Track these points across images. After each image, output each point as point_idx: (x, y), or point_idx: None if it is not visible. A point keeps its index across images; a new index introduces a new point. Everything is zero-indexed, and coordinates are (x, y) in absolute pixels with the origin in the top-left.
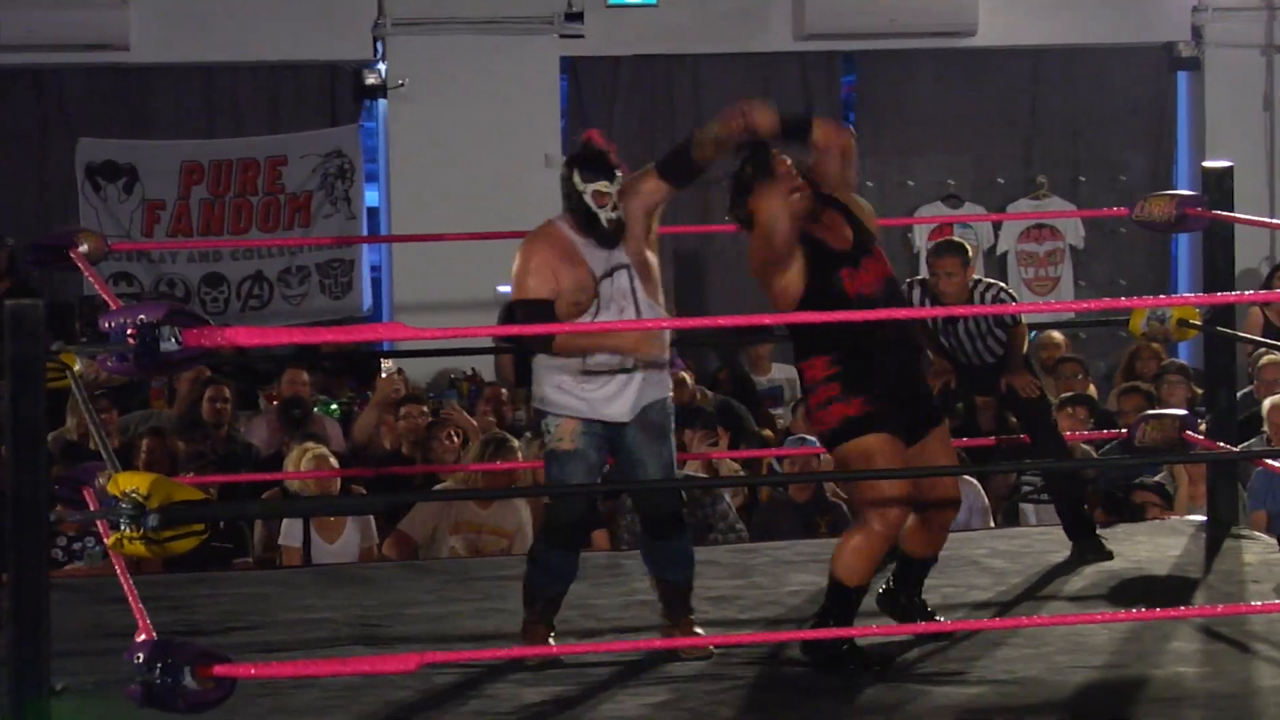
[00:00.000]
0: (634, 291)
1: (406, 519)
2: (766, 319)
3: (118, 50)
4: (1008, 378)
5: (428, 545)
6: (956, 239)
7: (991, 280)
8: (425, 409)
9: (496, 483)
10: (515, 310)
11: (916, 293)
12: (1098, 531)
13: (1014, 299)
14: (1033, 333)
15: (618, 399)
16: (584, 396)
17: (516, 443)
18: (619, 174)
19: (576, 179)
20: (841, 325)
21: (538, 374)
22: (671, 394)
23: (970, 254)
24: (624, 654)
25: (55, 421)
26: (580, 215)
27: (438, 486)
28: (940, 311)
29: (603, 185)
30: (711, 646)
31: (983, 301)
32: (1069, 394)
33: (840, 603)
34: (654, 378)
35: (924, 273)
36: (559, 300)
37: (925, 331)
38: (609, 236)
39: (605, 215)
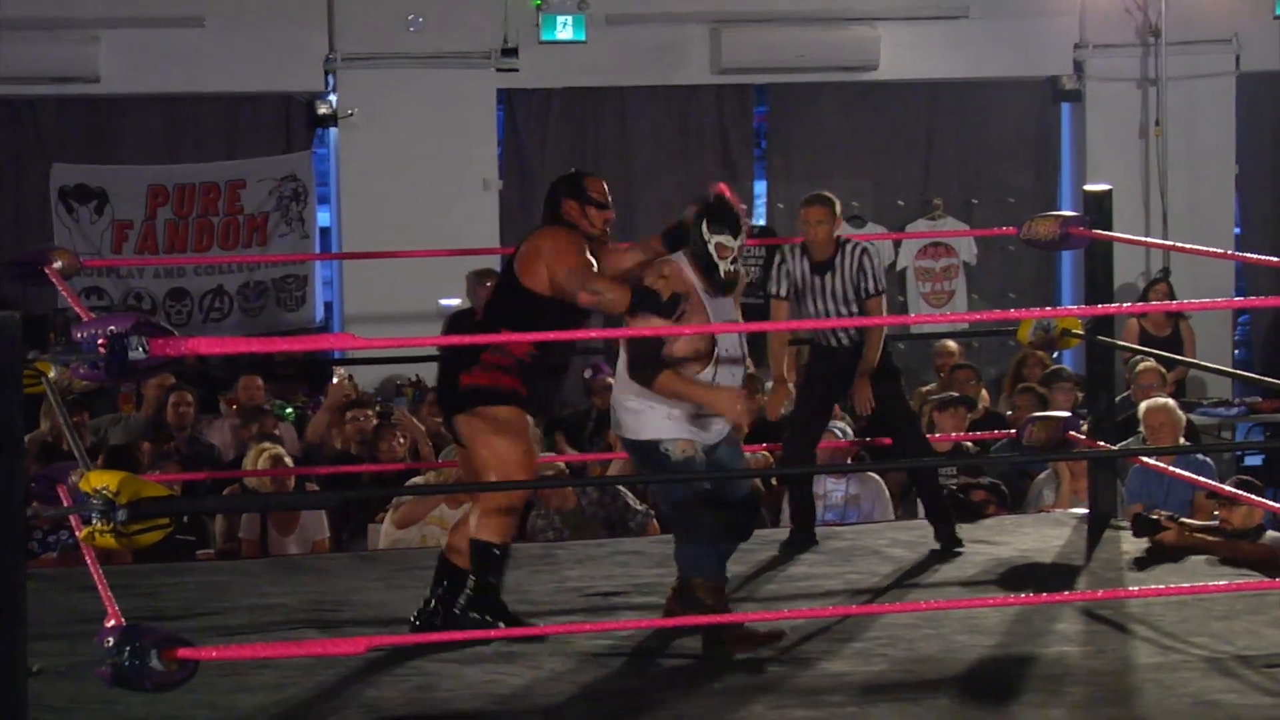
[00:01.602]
0: (743, 351)
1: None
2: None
3: (89, 82)
4: (853, 390)
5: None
6: (824, 192)
7: (860, 241)
8: (371, 412)
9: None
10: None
11: (796, 254)
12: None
13: (876, 269)
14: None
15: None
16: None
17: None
18: (743, 230)
19: (704, 229)
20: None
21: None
22: None
23: (838, 209)
24: (563, 636)
25: (30, 424)
26: (702, 261)
27: (412, 481)
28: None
29: (726, 239)
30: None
31: (852, 258)
32: (952, 395)
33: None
34: None
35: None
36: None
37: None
38: (723, 286)
39: (724, 267)
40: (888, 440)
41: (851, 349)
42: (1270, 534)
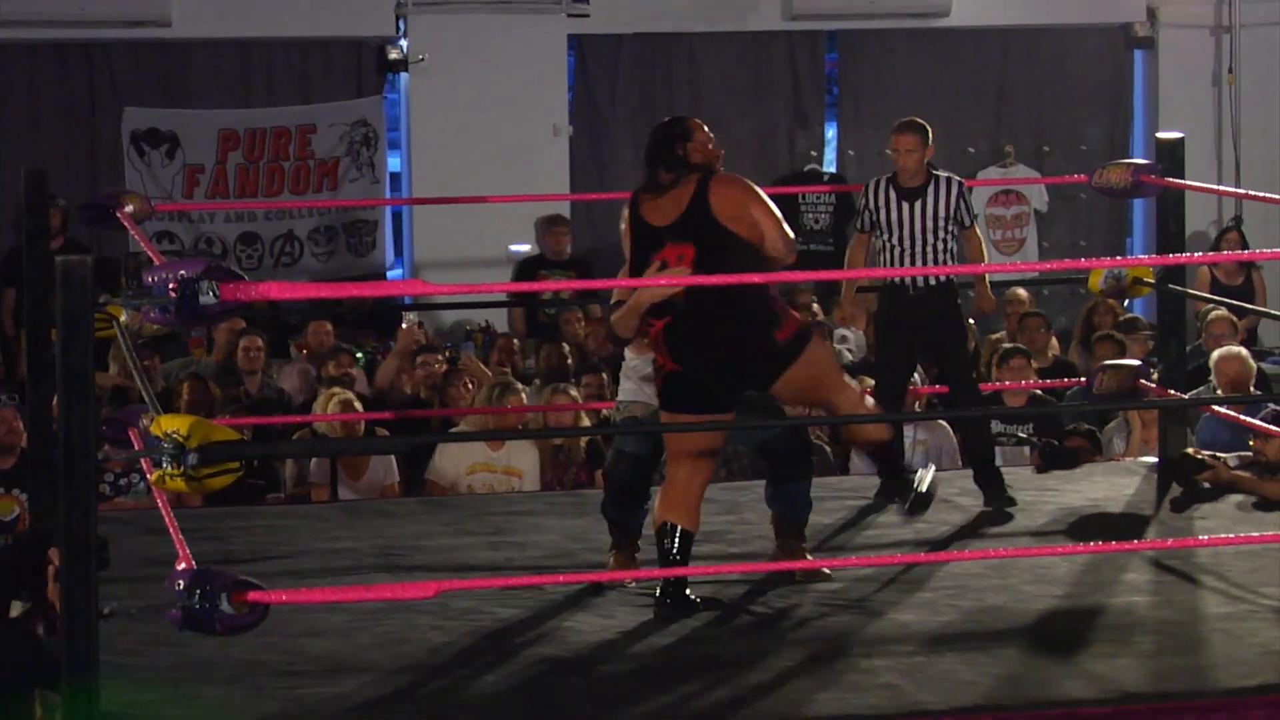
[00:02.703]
0: None
1: (431, 468)
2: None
3: (160, 26)
4: (978, 301)
5: (452, 489)
6: (917, 119)
7: (954, 176)
8: (442, 357)
9: (505, 425)
10: None
11: (881, 184)
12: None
13: (969, 200)
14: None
15: None
16: None
17: (520, 386)
18: None
19: None
20: None
21: None
22: None
23: (930, 137)
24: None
25: (100, 368)
26: None
27: (452, 430)
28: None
29: None
30: (826, 569)
31: (946, 190)
32: (1013, 346)
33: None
34: None
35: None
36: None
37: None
38: None
39: None
40: (944, 388)
41: (929, 293)
42: None
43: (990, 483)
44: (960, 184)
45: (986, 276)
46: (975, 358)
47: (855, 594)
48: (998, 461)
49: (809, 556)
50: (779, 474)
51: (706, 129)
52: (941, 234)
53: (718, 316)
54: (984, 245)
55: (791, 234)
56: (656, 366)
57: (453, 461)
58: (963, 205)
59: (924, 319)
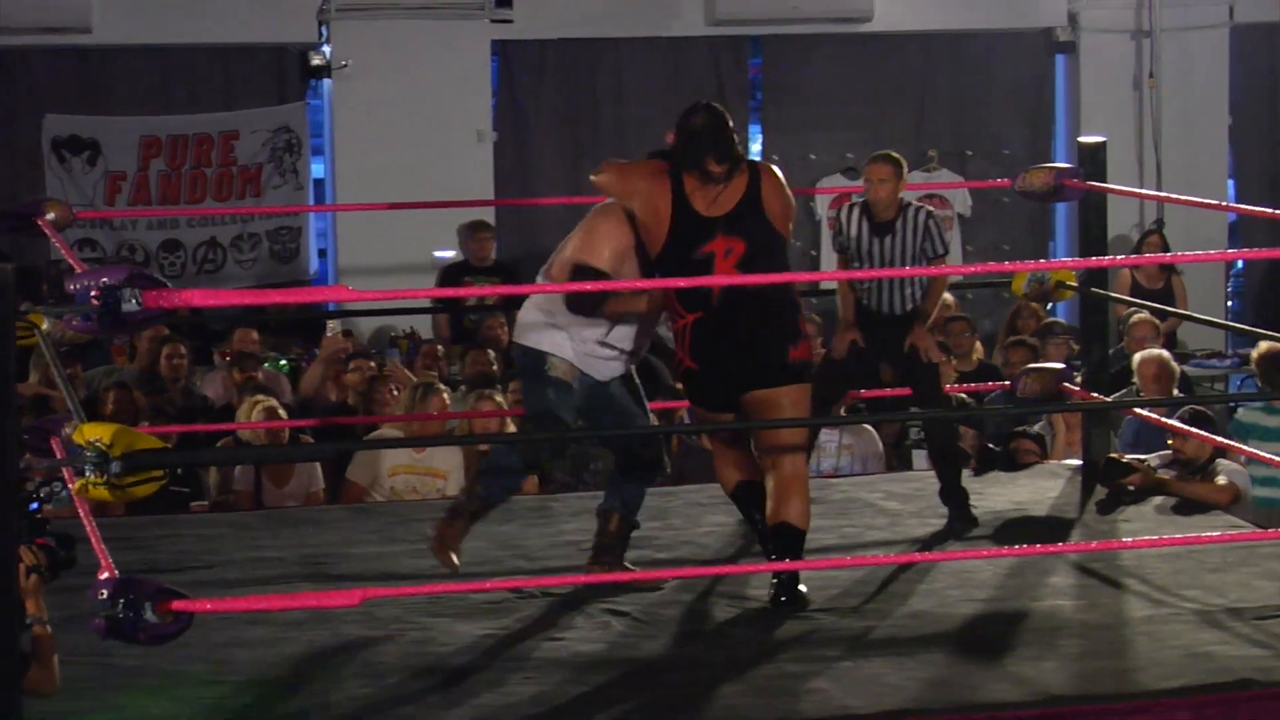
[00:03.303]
0: None
1: (351, 468)
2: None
3: (81, 32)
4: (911, 338)
5: (372, 489)
6: (892, 152)
7: (925, 205)
8: (373, 364)
9: (428, 428)
10: None
11: (846, 212)
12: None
13: (942, 231)
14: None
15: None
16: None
17: (444, 389)
18: None
19: None
20: None
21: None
22: None
23: (905, 168)
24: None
25: (22, 376)
26: None
27: (371, 434)
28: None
29: None
30: (659, 580)
31: (915, 221)
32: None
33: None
34: None
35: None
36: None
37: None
38: None
39: None
40: (908, 390)
41: (899, 320)
42: (1222, 463)
43: (954, 501)
44: (930, 215)
45: (935, 309)
46: None
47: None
48: (922, 465)
49: (628, 566)
50: (627, 473)
51: None
52: (911, 267)
53: (749, 319)
54: (943, 289)
55: None
56: (675, 361)
57: (374, 462)
58: (932, 238)
59: (893, 344)
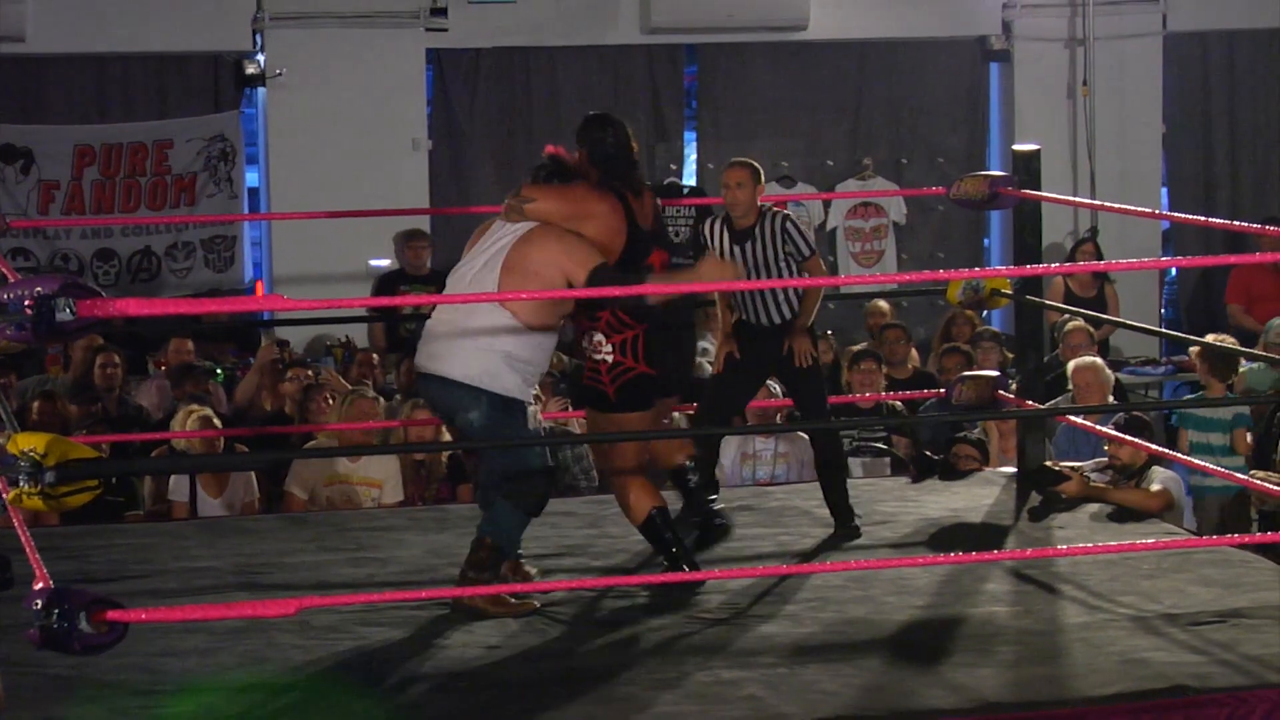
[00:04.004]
0: None
1: (290, 478)
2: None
3: (15, 41)
4: (789, 339)
5: (309, 499)
6: (749, 160)
7: (783, 210)
8: (310, 373)
9: (360, 437)
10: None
11: (716, 225)
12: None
13: (802, 232)
14: (861, 303)
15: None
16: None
17: (373, 394)
18: None
19: None
20: None
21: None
22: None
23: (761, 176)
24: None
25: None
26: None
27: (309, 444)
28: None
29: None
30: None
31: (771, 227)
32: (861, 349)
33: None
34: None
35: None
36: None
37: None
38: None
39: None
40: (789, 402)
41: (776, 330)
42: (1157, 469)
43: (840, 514)
44: (787, 219)
45: (812, 313)
46: (836, 370)
47: (718, 606)
48: (857, 474)
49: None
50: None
51: None
52: (775, 275)
53: (681, 326)
54: (823, 274)
55: None
56: (614, 365)
57: (310, 473)
58: (793, 241)
59: (773, 355)
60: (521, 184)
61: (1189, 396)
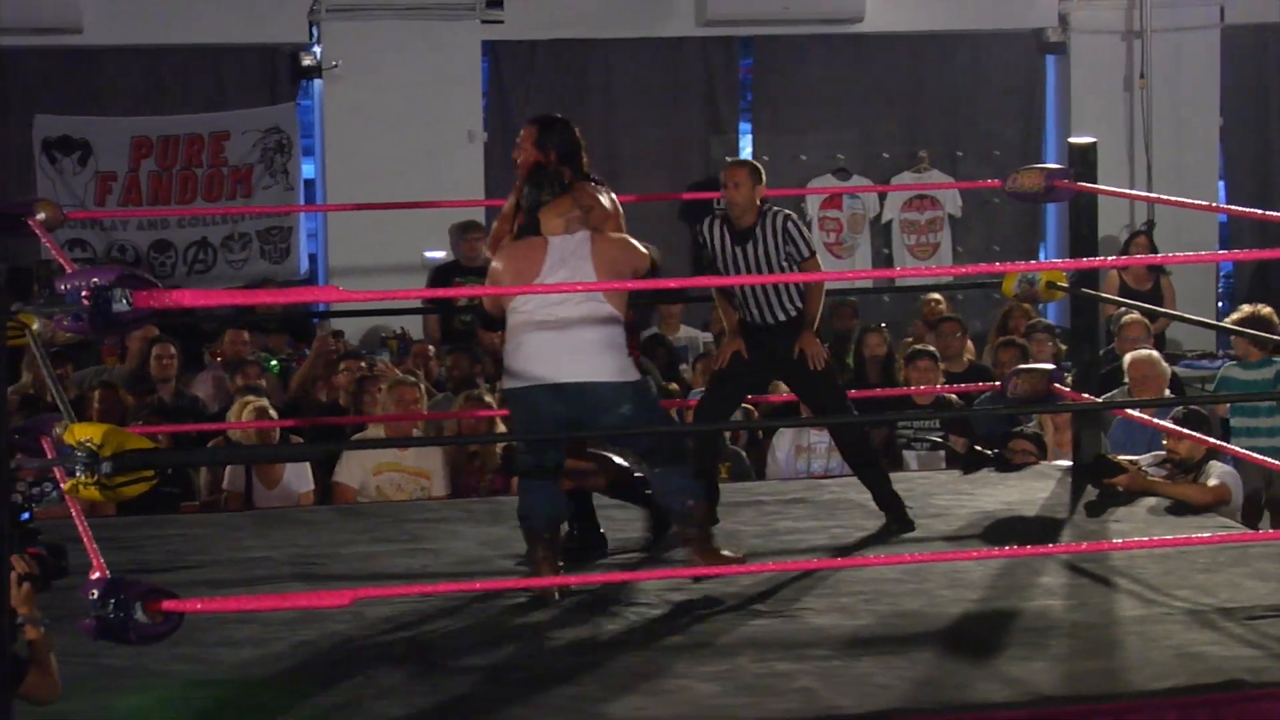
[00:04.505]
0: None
1: (339, 469)
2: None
3: (72, 33)
4: (800, 343)
5: (359, 489)
6: (750, 159)
7: (783, 209)
8: (363, 364)
9: (404, 428)
10: None
11: (707, 225)
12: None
13: (803, 233)
14: (916, 295)
15: None
16: None
17: (418, 384)
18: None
19: None
20: None
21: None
22: None
23: (762, 176)
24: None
25: (12, 377)
26: None
27: (356, 435)
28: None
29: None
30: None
31: (772, 225)
32: (919, 348)
33: None
34: None
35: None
36: None
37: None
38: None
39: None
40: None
41: (780, 328)
42: (1215, 464)
43: (890, 509)
44: (789, 218)
45: (817, 314)
46: (890, 363)
47: (771, 598)
48: (913, 466)
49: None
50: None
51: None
52: (776, 271)
53: None
54: (821, 296)
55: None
56: None
57: (359, 464)
58: (794, 241)
59: (782, 357)
60: (537, 197)
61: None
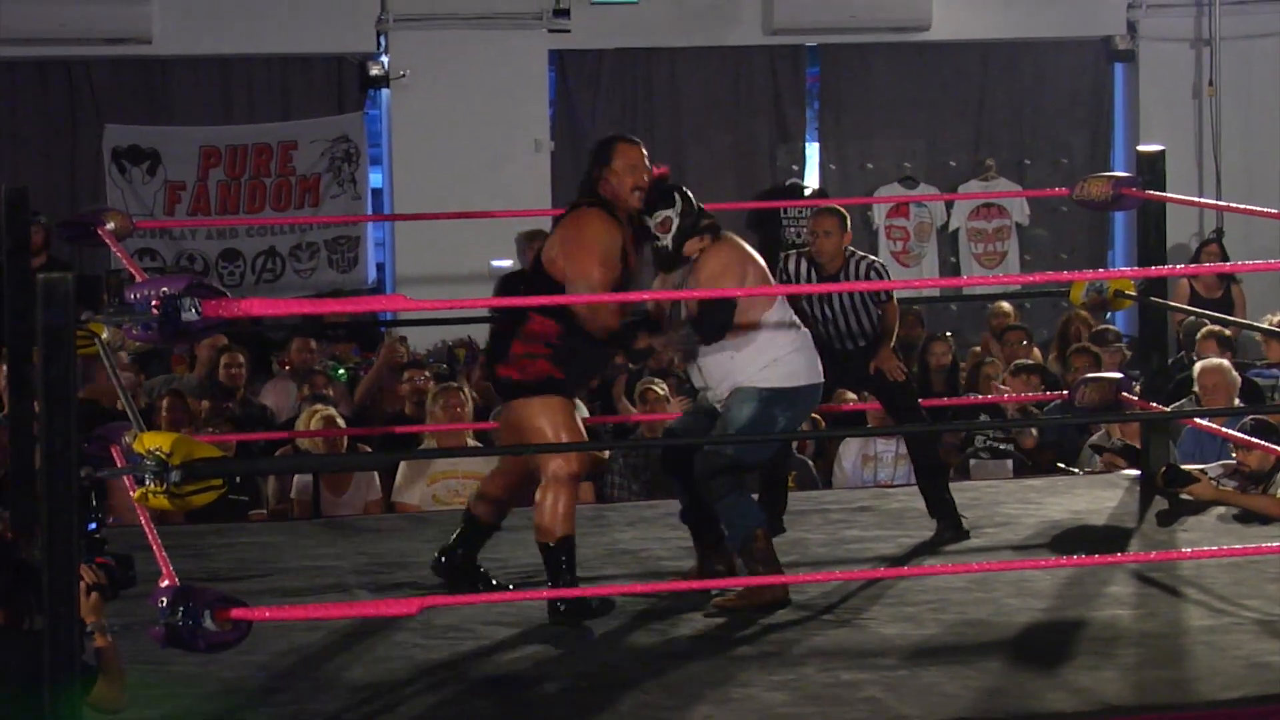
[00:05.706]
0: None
1: (397, 491)
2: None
3: (141, 43)
4: (876, 361)
5: (418, 499)
6: (838, 207)
7: (867, 255)
8: (428, 374)
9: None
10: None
11: (794, 262)
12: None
13: (887, 275)
14: (985, 305)
15: None
16: None
17: (459, 387)
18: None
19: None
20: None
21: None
22: None
23: (848, 222)
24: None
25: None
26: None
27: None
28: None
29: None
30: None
31: (857, 272)
32: (1023, 362)
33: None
34: None
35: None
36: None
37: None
38: (662, 261)
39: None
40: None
41: (857, 353)
42: None
43: (943, 514)
44: (872, 267)
45: (894, 337)
46: (954, 371)
47: (837, 608)
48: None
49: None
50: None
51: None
52: (860, 311)
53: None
54: (896, 319)
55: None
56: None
57: (410, 480)
58: (875, 292)
59: (859, 375)
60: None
61: None
